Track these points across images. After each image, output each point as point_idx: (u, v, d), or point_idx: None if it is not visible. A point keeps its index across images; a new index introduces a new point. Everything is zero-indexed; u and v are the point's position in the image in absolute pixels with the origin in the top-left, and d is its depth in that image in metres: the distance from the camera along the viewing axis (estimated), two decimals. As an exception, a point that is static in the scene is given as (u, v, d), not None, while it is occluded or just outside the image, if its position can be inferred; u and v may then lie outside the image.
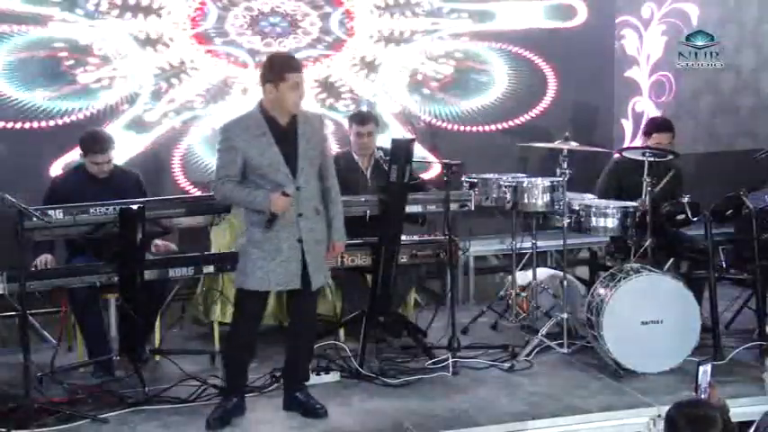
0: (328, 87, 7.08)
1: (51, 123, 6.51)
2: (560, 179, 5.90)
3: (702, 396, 3.80)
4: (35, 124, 6.48)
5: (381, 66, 7.17)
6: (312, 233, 4.82)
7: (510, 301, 6.54)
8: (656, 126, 6.39)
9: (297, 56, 5.60)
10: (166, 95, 6.75)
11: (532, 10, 7.46)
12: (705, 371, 3.84)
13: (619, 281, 5.52)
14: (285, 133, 4.78)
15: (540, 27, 7.47)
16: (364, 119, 6.29)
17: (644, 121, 7.76)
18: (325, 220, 4.93)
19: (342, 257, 5.72)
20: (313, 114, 5.10)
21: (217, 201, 5.04)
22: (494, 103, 7.44)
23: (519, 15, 7.45)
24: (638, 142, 7.60)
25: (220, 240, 5.98)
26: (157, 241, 5.77)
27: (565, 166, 5.87)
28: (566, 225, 5.89)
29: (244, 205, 4.84)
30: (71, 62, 6.54)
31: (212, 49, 6.82)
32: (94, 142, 5.70)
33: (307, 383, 5.14)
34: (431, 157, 6.98)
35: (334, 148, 6.54)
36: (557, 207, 6.01)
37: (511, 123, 7.49)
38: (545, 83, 7.53)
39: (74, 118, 6.55)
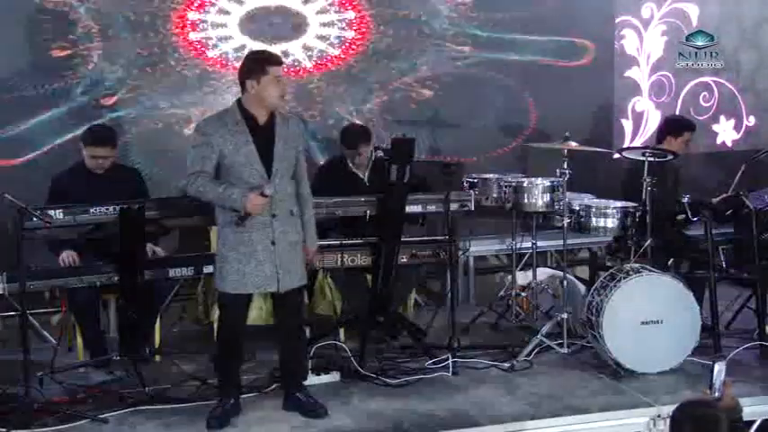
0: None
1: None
2: (560, 179, 5.90)
3: (716, 395, 3.76)
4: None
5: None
6: (285, 235, 4.80)
7: (510, 301, 6.53)
8: (685, 125, 6.46)
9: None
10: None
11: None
12: (720, 370, 3.79)
13: (619, 281, 5.51)
14: (263, 132, 4.76)
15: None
16: (353, 143, 6.12)
17: (645, 120, 7.76)
18: (300, 222, 4.93)
19: (342, 257, 5.73)
20: (291, 116, 5.08)
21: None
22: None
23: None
24: (637, 142, 7.64)
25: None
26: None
27: (565, 166, 5.88)
28: (566, 225, 5.89)
29: (217, 202, 4.78)
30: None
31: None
32: (94, 134, 5.72)
33: (307, 383, 5.15)
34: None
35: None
36: (557, 207, 6.01)
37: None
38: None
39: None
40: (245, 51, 6.64)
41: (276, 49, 6.76)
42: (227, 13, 6.80)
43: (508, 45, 7.41)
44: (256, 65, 4.75)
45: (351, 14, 7.07)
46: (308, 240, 4.97)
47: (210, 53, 6.78)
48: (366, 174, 6.19)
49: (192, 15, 6.74)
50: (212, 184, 4.72)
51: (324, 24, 7.01)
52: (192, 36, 6.74)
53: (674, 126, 6.48)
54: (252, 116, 4.77)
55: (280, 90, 4.75)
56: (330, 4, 7.01)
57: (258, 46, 6.77)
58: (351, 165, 6.19)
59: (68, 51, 6.49)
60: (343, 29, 7.06)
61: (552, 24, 7.46)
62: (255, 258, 4.75)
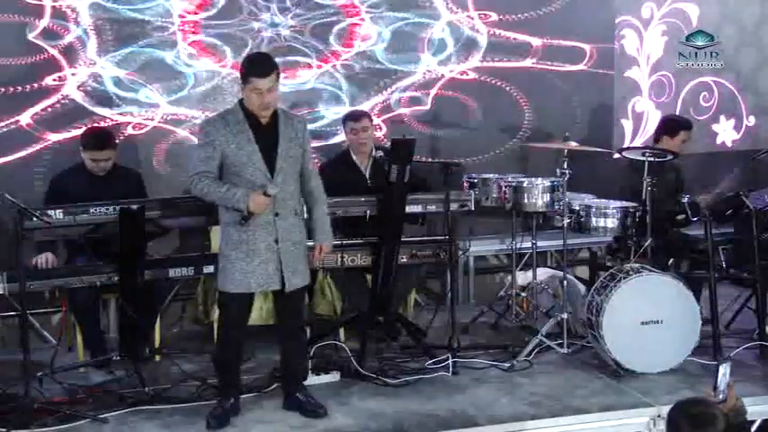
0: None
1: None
2: (560, 179, 5.90)
3: (720, 396, 3.74)
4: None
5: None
6: (289, 234, 4.80)
7: (510, 301, 6.54)
8: (681, 124, 6.48)
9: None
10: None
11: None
12: (725, 372, 3.77)
13: (619, 281, 5.51)
14: (266, 131, 4.77)
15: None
16: (357, 115, 6.25)
17: (645, 120, 7.75)
18: (305, 222, 4.93)
19: (342, 257, 5.74)
20: (295, 115, 5.11)
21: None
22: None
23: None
24: (637, 142, 7.64)
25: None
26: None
27: (565, 166, 5.88)
28: (566, 225, 5.89)
29: (221, 202, 4.79)
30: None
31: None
32: (94, 138, 5.71)
33: (307, 383, 5.15)
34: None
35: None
36: (557, 207, 6.02)
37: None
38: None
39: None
40: (246, 50, 6.69)
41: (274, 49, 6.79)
42: (226, 11, 6.78)
43: (509, 49, 7.39)
44: (243, 72, 4.78)
45: (352, 16, 7.06)
46: (319, 237, 4.97)
47: (209, 51, 6.75)
48: (368, 171, 6.19)
49: (194, 14, 6.72)
50: (215, 184, 4.73)
51: (324, 25, 6.99)
52: (193, 35, 6.72)
53: (669, 126, 6.48)
54: (253, 115, 4.77)
55: (259, 101, 4.71)
56: (331, 5, 6.99)
57: (256, 46, 6.77)
58: (354, 156, 6.21)
59: (64, 47, 6.45)
60: (343, 30, 7.04)
61: (553, 28, 7.44)
62: (259, 257, 4.75)
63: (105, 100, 6.55)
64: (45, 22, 6.39)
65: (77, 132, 6.22)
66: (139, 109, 6.64)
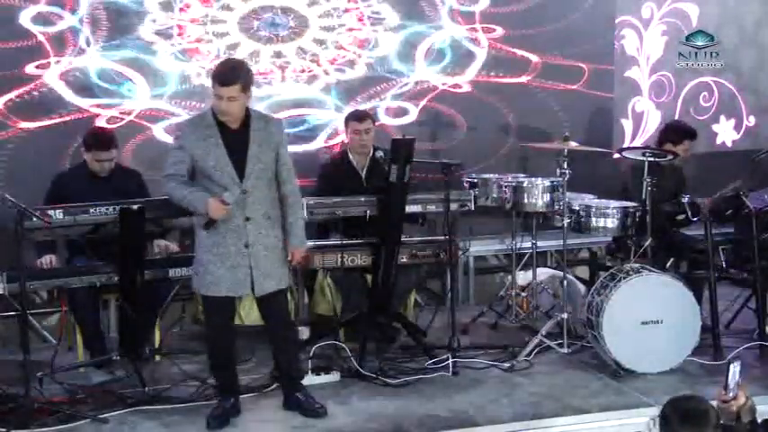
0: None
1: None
2: (560, 179, 5.90)
3: (731, 395, 3.74)
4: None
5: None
6: (261, 238, 4.78)
7: (510, 301, 6.54)
8: (686, 133, 6.44)
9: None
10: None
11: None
12: (735, 370, 3.77)
13: (619, 281, 5.52)
14: (236, 135, 4.76)
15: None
16: (361, 116, 6.25)
17: (645, 120, 7.74)
18: (281, 226, 4.89)
19: (342, 257, 5.74)
20: (271, 118, 5.08)
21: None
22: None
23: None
24: (637, 142, 7.64)
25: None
26: (160, 241, 5.77)
27: (565, 166, 5.88)
28: (566, 225, 5.89)
29: (182, 205, 4.80)
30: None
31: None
32: (97, 139, 5.71)
33: (306, 383, 5.15)
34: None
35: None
36: (557, 207, 6.02)
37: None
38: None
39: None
40: (239, 49, 6.69)
41: (270, 49, 6.77)
42: (228, 9, 6.76)
43: (512, 62, 7.39)
44: (211, 76, 4.80)
45: (353, 21, 7.03)
46: (293, 242, 4.92)
47: (204, 48, 6.72)
48: (364, 171, 6.18)
49: (194, 10, 6.68)
50: (180, 187, 4.74)
51: (323, 28, 6.97)
52: (190, 30, 6.69)
53: (674, 133, 6.45)
54: (223, 120, 4.77)
55: (220, 107, 4.72)
56: (334, 9, 6.97)
57: (253, 45, 6.74)
58: (351, 156, 6.20)
59: (53, 35, 6.38)
60: (341, 35, 7.02)
61: (554, 43, 7.42)
62: (229, 261, 4.75)
63: (93, 92, 6.47)
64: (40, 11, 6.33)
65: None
66: (118, 102, 6.56)
